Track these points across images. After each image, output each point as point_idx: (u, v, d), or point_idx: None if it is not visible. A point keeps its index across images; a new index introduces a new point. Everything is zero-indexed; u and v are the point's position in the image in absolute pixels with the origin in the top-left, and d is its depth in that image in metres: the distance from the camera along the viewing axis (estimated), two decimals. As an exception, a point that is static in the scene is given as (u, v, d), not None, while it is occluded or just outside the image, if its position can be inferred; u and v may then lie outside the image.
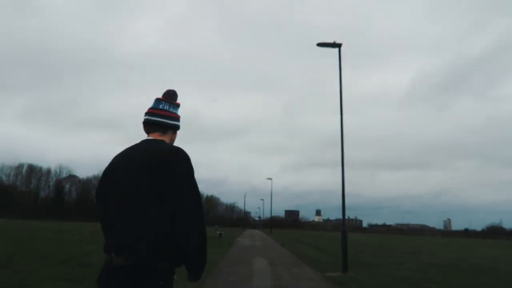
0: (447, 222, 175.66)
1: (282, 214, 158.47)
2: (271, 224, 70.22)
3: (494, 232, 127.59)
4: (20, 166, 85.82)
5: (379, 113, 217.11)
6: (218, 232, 28.91)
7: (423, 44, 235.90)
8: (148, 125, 1.89)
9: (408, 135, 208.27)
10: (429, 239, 62.83)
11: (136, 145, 1.83)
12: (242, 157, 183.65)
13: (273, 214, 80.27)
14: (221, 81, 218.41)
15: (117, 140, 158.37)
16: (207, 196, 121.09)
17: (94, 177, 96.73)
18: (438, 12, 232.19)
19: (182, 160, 1.70)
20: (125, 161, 1.75)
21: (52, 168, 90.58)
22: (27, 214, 74.38)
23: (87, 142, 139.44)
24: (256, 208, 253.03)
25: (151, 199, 1.61)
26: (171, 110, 1.92)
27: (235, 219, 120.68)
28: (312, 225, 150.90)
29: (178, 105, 1.98)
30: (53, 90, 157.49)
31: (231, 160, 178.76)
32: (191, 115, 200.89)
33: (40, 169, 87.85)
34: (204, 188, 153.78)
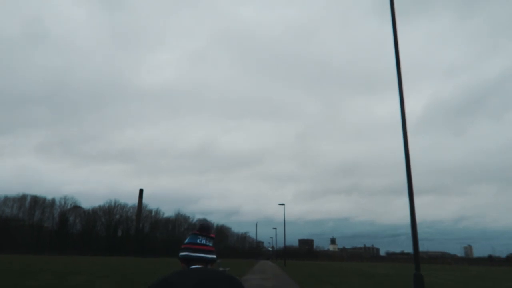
0: (468, 249, 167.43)
1: (295, 243, 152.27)
2: (285, 255, 65.24)
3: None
4: (23, 197, 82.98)
5: (395, 139, 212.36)
6: (221, 269, 24.25)
7: (437, 69, 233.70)
8: (187, 260, 1.87)
9: (425, 160, 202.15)
10: (462, 268, 57.33)
11: (187, 272, 1.75)
12: (255, 186, 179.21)
13: (286, 244, 75.34)
14: (235, 111, 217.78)
15: (128, 172, 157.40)
16: (217, 226, 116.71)
17: (100, 208, 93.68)
18: (451, 36, 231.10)
19: None
20: (184, 283, 1.66)
21: (57, 199, 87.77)
22: (30, 249, 70.83)
23: (97, 174, 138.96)
24: (269, 238, 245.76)
25: None
26: (208, 244, 1.89)
27: (247, 249, 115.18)
28: (327, 255, 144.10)
29: (213, 238, 1.94)
30: (69, 125, 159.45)
31: (244, 190, 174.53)
32: (205, 146, 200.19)
33: (44, 200, 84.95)
34: (216, 218, 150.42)
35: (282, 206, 52.19)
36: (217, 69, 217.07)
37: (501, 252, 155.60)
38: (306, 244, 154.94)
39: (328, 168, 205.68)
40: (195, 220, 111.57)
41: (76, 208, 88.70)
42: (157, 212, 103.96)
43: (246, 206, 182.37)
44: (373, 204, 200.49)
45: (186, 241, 1.90)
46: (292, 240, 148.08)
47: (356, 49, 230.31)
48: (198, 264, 1.83)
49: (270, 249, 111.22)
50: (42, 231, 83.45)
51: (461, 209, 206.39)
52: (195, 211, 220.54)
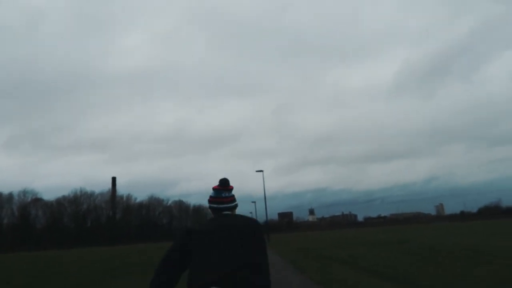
0: (440, 207, 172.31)
1: (275, 217, 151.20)
2: (268, 229, 62.12)
3: (491, 212, 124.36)
4: (-25, 194, 75.12)
5: (367, 106, 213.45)
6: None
7: (407, 35, 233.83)
8: (216, 210, 2.37)
9: (396, 125, 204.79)
10: (446, 226, 56.69)
11: (225, 217, 2.29)
12: (233, 164, 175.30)
13: (267, 218, 72.20)
14: (209, 90, 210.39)
15: (101, 161, 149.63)
16: (194, 206, 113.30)
17: (65, 198, 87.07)
18: (419, 1, 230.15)
19: (263, 231, 2.31)
20: (225, 226, 2.16)
21: (15, 194, 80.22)
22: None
23: (69, 165, 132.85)
24: (248, 213, 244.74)
25: (251, 257, 2.07)
26: (230, 195, 2.39)
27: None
28: (307, 225, 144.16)
29: (232, 188, 2.43)
30: (37, 117, 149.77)
31: (222, 169, 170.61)
32: (181, 128, 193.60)
33: (0, 194, 77.37)
34: (195, 200, 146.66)
35: (261, 173, 47.42)
36: (188, 49, 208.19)
37: (472, 207, 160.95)
38: (285, 216, 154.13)
39: (304, 140, 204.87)
40: (169, 202, 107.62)
41: (37, 200, 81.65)
42: (129, 197, 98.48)
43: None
44: (349, 172, 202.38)
45: (212, 195, 2.38)
46: (272, 214, 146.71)
47: (328, 21, 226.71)
48: (226, 211, 2.35)
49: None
50: (3, 228, 76.56)
51: (432, 169, 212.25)
52: (174, 194, 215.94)
